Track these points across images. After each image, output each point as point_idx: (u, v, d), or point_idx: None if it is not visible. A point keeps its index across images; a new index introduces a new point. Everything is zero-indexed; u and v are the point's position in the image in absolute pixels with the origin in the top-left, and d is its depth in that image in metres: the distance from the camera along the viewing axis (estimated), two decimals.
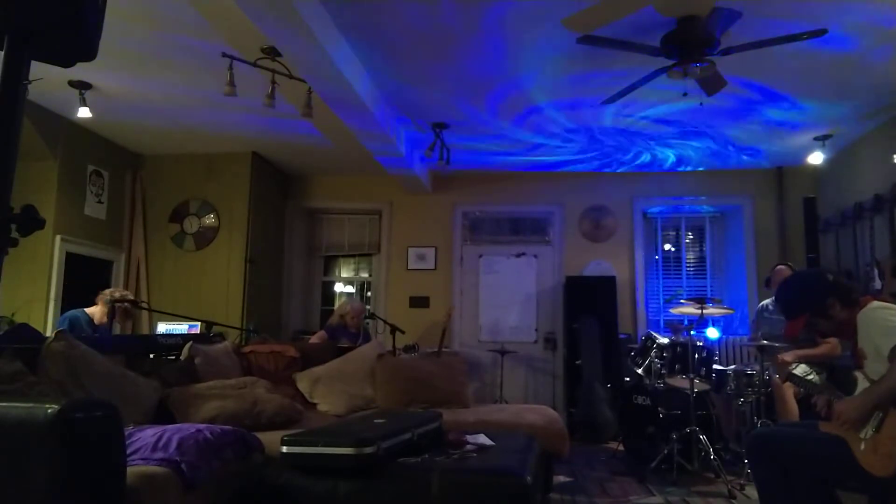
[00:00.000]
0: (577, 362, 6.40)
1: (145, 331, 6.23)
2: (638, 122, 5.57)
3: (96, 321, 4.47)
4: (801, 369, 4.40)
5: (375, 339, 5.25)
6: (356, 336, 5.35)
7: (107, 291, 4.58)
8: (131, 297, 4.68)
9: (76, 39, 1.46)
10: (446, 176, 7.15)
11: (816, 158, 6.07)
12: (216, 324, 4.49)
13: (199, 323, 4.98)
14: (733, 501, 3.83)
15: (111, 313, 4.36)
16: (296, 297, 7.41)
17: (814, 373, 4.43)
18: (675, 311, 4.89)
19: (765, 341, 4.26)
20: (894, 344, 2.26)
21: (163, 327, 5.93)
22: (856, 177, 5.90)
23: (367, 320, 5.63)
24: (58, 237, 5.50)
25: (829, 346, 4.43)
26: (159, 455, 2.16)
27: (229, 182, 6.55)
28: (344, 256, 7.73)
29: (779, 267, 5.03)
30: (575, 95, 4.97)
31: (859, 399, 2.35)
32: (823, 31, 3.55)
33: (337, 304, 7.64)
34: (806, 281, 2.77)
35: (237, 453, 2.48)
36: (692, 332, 4.62)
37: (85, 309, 4.52)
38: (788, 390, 4.21)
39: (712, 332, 6.19)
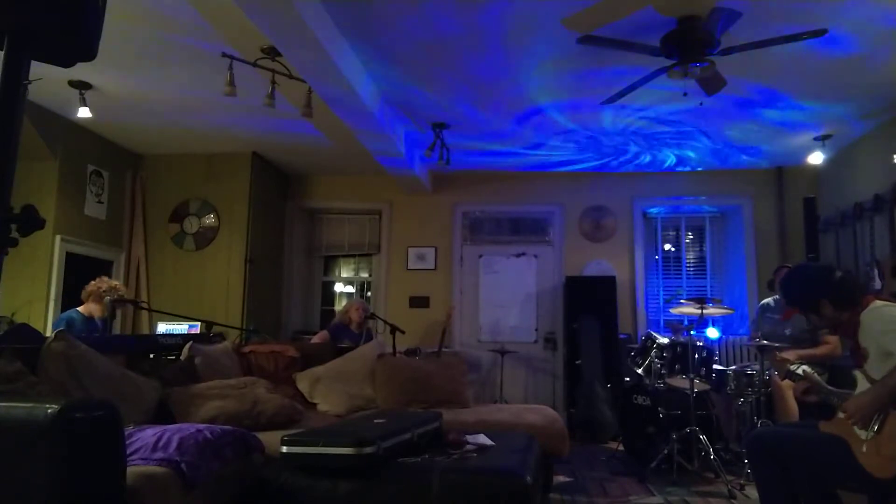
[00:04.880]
0: (577, 362, 6.40)
1: (145, 331, 6.23)
2: (638, 122, 5.57)
3: (89, 315, 4.45)
4: (802, 369, 4.39)
5: (376, 339, 5.25)
6: (359, 336, 5.34)
7: (93, 287, 4.49)
8: (120, 288, 4.60)
9: (76, 39, 1.46)
10: (446, 176, 7.15)
11: (816, 158, 6.07)
12: (216, 324, 4.49)
13: (199, 323, 4.98)
14: (733, 501, 3.82)
15: (112, 312, 4.36)
16: (296, 297, 7.41)
17: (815, 373, 4.42)
18: (675, 311, 4.89)
19: (765, 341, 4.26)
20: None
21: (163, 327, 5.93)
22: (856, 177, 5.89)
23: (368, 320, 5.63)
24: (58, 237, 5.50)
25: (830, 346, 4.44)
26: (159, 455, 2.16)
27: (229, 182, 6.55)
28: (344, 256, 7.73)
29: (784, 268, 4.99)
30: (575, 95, 4.97)
31: (865, 397, 2.33)
32: (823, 31, 3.56)
33: (337, 304, 7.65)
34: (806, 276, 2.75)
35: (237, 453, 2.48)
36: (692, 332, 4.62)
37: (78, 308, 4.52)
38: (788, 390, 4.21)
39: (712, 332, 6.19)
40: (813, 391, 2.69)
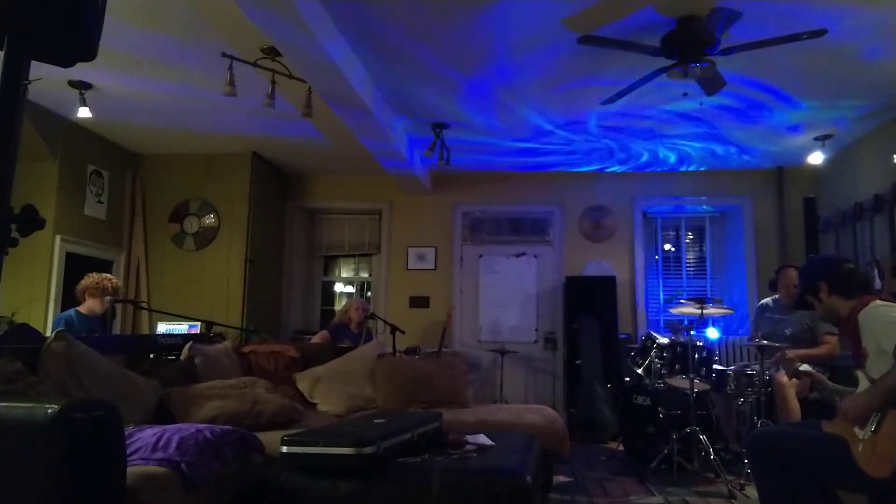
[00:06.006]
0: (577, 362, 6.40)
1: (145, 331, 6.23)
2: (638, 122, 5.57)
3: (89, 313, 4.42)
4: (805, 367, 4.39)
5: (376, 339, 5.25)
6: (358, 336, 5.34)
7: (87, 283, 4.44)
8: (112, 279, 4.56)
9: (76, 39, 1.46)
10: (446, 176, 7.15)
11: (816, 158, 6.07)
12: (216, 324, 4.48)
13: (199, 323, 4.98)
14: (733, 501, 3.82)
15: (112, 311, 4.35)
16: (296, 297, 7.41)
17: (815, 371, 4.43)
18: (675, 311, 4.88)
19: (765, 341, 4.26)
20: None
21: (163, 327, 5.93)
22: (856, 177, 5.89)
23: (368, 320, 5.63)
24: (58, 237, 5.50)
25: (829, 346, 4.45)
26: (159, 455, 2.16)
27: (229, 182, 6.55)
28: (344, 256, 7.73)
29: (786, 268, 4.97)
30: (575, 95, 4.97)
31: (862, 397, 2.34)
32: (823, 31, 3.56)
33: (337, 304, 7.65)
34: (816, 260, 2.96)
35: (237, 453, 2.48)
36: (692, 332, 4.62)
37: (77, 308, 4.50)
38: (790, 389, 4.21)
39: (712, 332, 6.19)
40: (817, 389, 2.71)
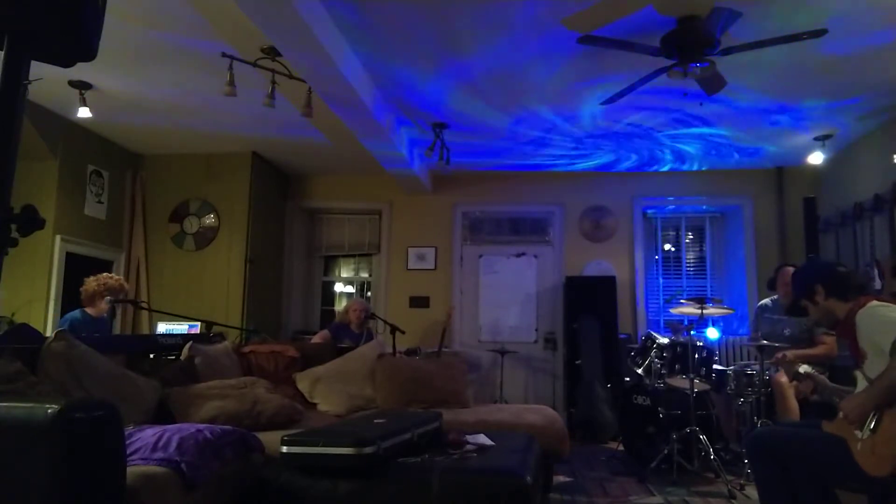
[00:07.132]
0: (577, 362, 6.41)
1: (145, 331, 6.23)
2: (638, 122, 5.57)
3: (98, 315, 4.41)
4: (804, 369, 4.39)
5: (376, 339, 5.25)
6: (359, 336, 5.35)
7: (94, 287, 4.40)
8: (120, 280, 4.53)
9: (76, 39, 1.46)
10: (446, 176, 7.15)
11: (816, 158, 6.07)
12: (216, 324, 4.48)
13: (199, 323, 4.98)
14: (733, 501, 3.82)
15: (112, 311, 4.34)
16: (296, 297, 7.41)
17: (815, 373, 4.42)
18: (675, 311, 4.88)
19: (765, 341, 4.26)
20: (894, 338, 2.25)
21: (163, 327, 5.93)
22: (856, 177, 5.89)
23: (368, 320, 5.63)
24: (58, 237, 5.50)
25: (826, 346, 4.45)
26: (159, 455, 2.16)
27: (229, 182, 6.56)
28: (344, 256, 7.73)
29: (785, 268, 4.97)
30: (575, 95, 4.97)
31: (861, 396, 2.34)
32: (823, 31, 3.56)
33: (337, 304, 7.66)
34: (811, 264, 2.91)
35: (237, 453, 2.48)
36: (692, 332, 4.61)
37: (86, 308, 4.49)
38: (789, 389, 4.21)
39: (712, 332, 6.19)
40: (817, 391, 2.71)
